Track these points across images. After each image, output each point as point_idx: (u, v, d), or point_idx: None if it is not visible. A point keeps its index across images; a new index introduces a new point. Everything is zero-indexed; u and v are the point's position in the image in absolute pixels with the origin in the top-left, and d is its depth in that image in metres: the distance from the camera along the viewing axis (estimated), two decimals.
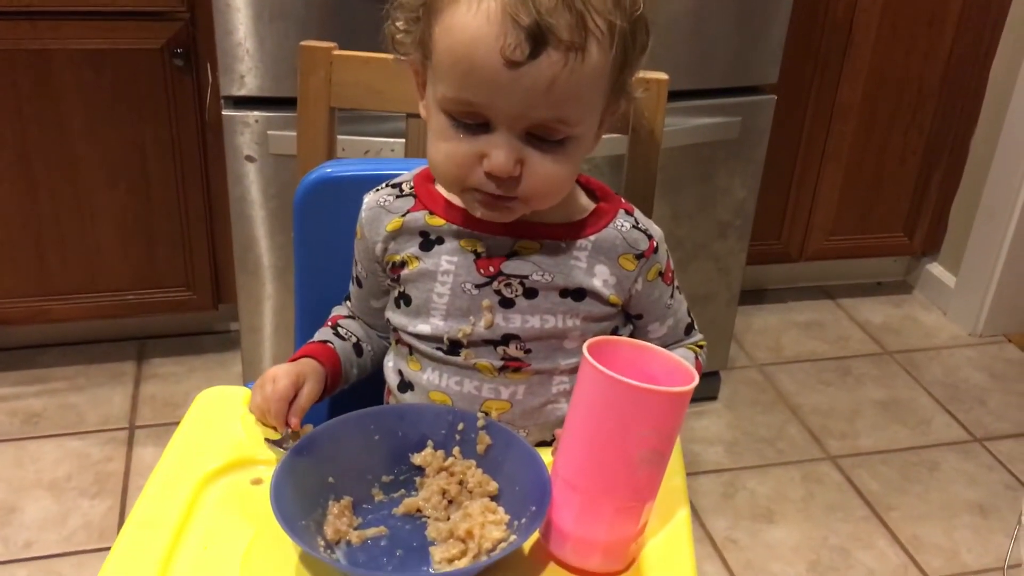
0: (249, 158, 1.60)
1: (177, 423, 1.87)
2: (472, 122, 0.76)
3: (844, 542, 1.72)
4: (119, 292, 1.93)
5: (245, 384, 0.97)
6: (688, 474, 1.84)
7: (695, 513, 1.76)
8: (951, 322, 2.36)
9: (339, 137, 1.51)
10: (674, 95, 1.57)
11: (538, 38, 0.71)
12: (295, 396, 0.84)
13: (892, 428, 2.01)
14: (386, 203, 0.89)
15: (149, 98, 1.77)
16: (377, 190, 0.90)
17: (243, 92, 1.56)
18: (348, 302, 0.97)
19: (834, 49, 2.02)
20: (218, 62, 1.55)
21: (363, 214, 0.89)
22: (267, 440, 0.82)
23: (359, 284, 0.93)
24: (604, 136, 0.85)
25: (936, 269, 2.42)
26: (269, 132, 1.58)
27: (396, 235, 0.87)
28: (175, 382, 2.00)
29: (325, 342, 0.92)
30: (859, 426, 2.01)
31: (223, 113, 1.57)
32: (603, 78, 0.77)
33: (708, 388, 2.04)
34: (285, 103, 1.57)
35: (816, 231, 2.25)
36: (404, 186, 0.90)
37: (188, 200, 1.87)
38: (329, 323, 0.96)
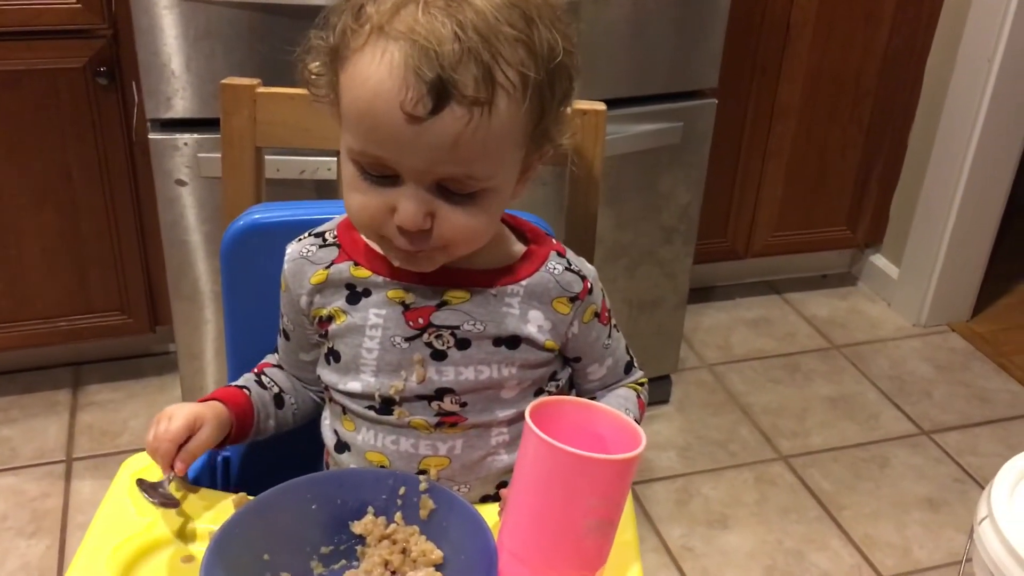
0: (180, 182, 1.55)
1: (116, 453, 1.82)
2: (380, 174, 0.73)
3: (798, 544, 1.73)
4: (50, 319, 1.86)
5: None
6: (642, 482, 1.85)
7: (650, 522, 1.76)
8: (895, 313, 2.38)
9: (273, 158, 1.48)
10: (615, 103, 1.55)
11: (441, 93, 0.67)
12: (189, 439, 0.80)
13: (841, 424, 2.02)
14: (309, 254, 0.85)
15: (73, 119, 1.70)
16: (300, 239, 0.87)
17: (170, 115, 1.51)
18: (277, 353, 0.93)
19: (772, 49, 2.02)
20: (143, 84, 1.49)
21: (286, 266, 0.86)
22: (139, 481, 0.79)
23: (286, 337, 0.90)
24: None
25: (880, 261, 2.43)
26: (200, 155, 1.52)
27: (321, 288, 0.84)
28: (113, 409, 1.93)
29: (242, 388, 0.88)
30: (809, 424, 2.02)
31: (150, 137, 1.52)
32: (515, 131, 0.73)
33: (660, 392, 2.04)
34: (216, 124, 1.51)
35: (761, 228, 2.25)
36: (328, 235, 0.86)
37: (119, 222, 1.81)
38: (255, 370, 0.92)
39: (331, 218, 0.88)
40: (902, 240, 2.34)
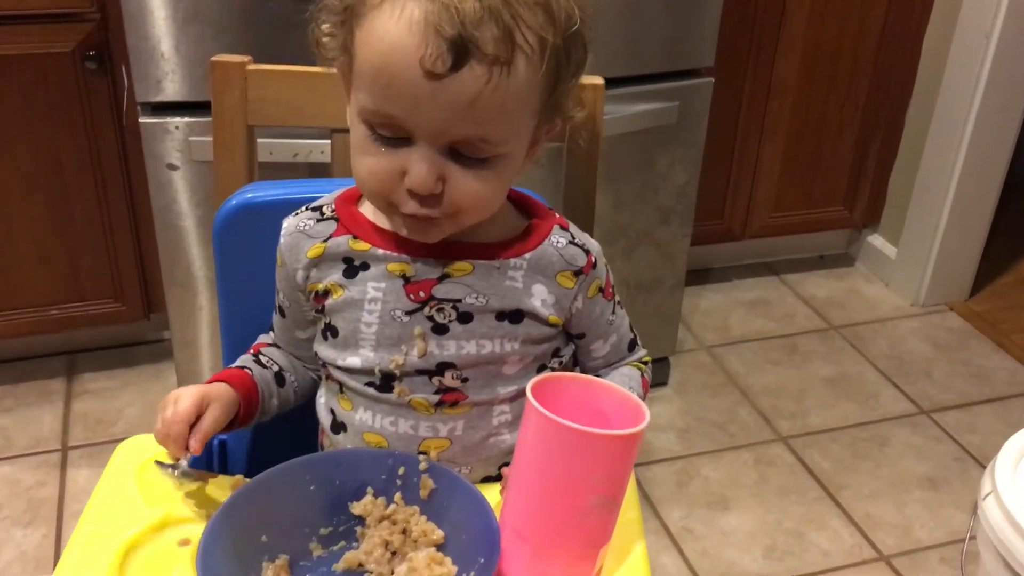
0: (171, 166, 1.53)
1: (111, 441, 1.81)
2: (392, 135, 0.72)
3: (798, 525, 1.72)
4: (42, 307, 1.84)
5: None
6: (641, 464, 1.84)
7: (650, 504, 1.75)
8: (893, 293, 2.37)
9: (266, 141, 1.47)
10: (610, 82, 1.53)
11: (461, 50, 0.67)
12: (198, 419, 0.78)
13: (841, 405, 2.01)
14: (306, 227, 0.83)
15: (63, 104, 1.68)
16: (296, 214, 0.85)
17: (161, 98, 1.49)
18: (272, 332, 0.92)
19: (768, 27, 2.00)
20: (132, 68, 1.47)
21: (282, 240, 0.84)
22: (157, 462, 0.77)
23: (282, 314, 0.88)
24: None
25: (877, 241, 2.42)
26: (191, 139, 1.50)
27: (318, 262, 0.82)
28: (108, 397, 1.92)
29: (243, 368, 0.87)
30: (808, 404, 2.01)
31: (141, 120, 1.50)
32: (531, 96, 0.72)
33: (658, 374, 2.03)
34: (207, 108, 1.49)
35: (758, 208, 2.24)
36: (325, 209, 0.84)
37: (111, 208, 1.79)
38: (251, 350, 0.91)
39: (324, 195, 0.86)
40: (900, 220, 2.33)
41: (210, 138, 1.49)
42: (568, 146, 1.01)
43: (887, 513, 1.75)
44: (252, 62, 0.97)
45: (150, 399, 1.92)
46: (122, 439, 0.84)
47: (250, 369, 0.87)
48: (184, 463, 0.76)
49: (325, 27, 0.75)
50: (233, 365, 0.88)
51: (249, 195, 0.91)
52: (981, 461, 1.86)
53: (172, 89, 1.48)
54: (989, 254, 2.33)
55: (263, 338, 0.93)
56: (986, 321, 2.27)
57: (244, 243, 0.91)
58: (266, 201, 0.90)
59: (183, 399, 0.77)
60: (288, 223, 0.84)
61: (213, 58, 0.96)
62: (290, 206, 0.86)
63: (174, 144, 1.51)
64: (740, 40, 1.98)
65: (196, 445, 0.76)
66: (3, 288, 1.79)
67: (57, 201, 1.75)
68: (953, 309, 2.32)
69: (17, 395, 1.91)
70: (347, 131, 0.98)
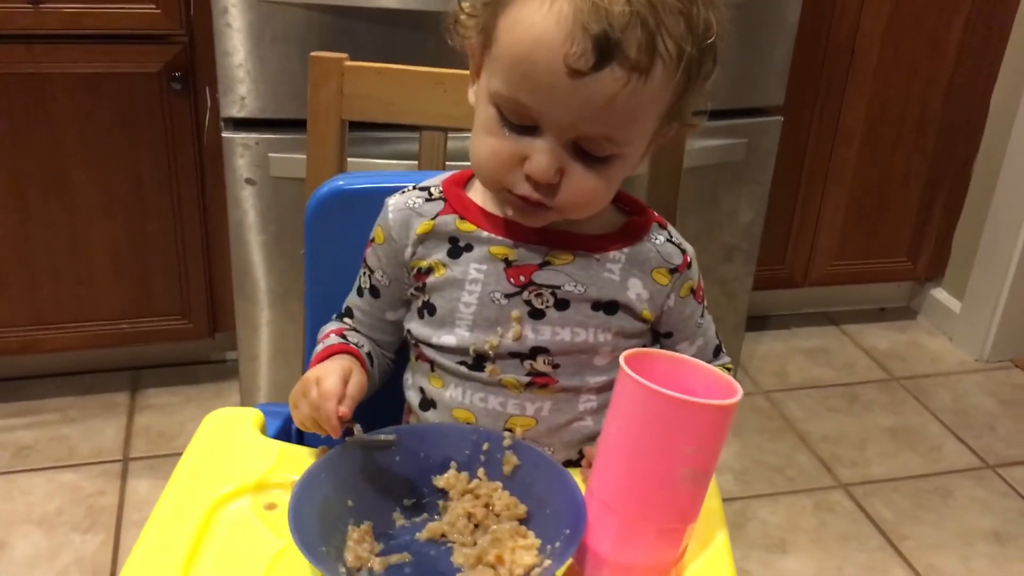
0: (249, 181, 1.57)
1: (172, 455, 1.83)
2: (519, 123, 0.73)
3: (859, 572, 1.68)
4: (112, 321, 1.88)
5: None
6: None
7: None
8: (957, 348, 2.34)
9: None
10: None
11: (605, 51, 0.68)
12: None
13: (903, 455, 1.97)
14: (416, 205, 0.85)
15: (146, 123, 1.73)
16: (403, 192, 0.86)
17: (243, 114, 1.53)
18: (347, 319, 0.91)
19: (837, 73, 2.01)
20: (218, 84, 1.52)
21: (390, 215, 0.85)
22: (346, 443, 0.74)
23: (375, 294, 0.88)
24: None
25: (940, 294, 2.39)
26: (270, 154, 1.55)
27: (425, 239, 0.84)
28: (170, 413, 1.94)
29: (344, 343, 0.85)
30: (869, 453, 1.97)
31: (223, 135, 1.54)
32: (661, 102, 0.74)
33: None
34: (286, 125, 1.54)
35: (820, 256, 2.23)
36: (433, 190, 0.86)
37: (184, 227, 1.83)
38: (334, 333, 0.88)
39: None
40: (965, 273, 2.30)
41: (287, 154, 1.54)
42: (652, 158, 1.02)
43: (951, 565, 1.70)
44: (348, 59, 1.00)
45: None
46: (182, 453, 0.82)
47: (349, 343, 0.86)
48: (357, 431, 0.74)
49: (466, 6, 0.77)
50: (330, 343, 0.85)
51: (341, 183, 0.93)
52: None
53: (254, 105, 1.53)
54: None
55: (333, 325, 0.91)
56: None
57: (335, 230, 0.93)
58: (358, 189, 0.92)
59: (326, 378, 0.75)
60: (396, 200, 0.86)
61: (312, 53, 1.00)
62: (382, 194, 0.88)
63: (252, 159, 1.55)
64: (808, 84, 1.99)
65: (344, 410, 0.74)
66: (78, 300, 1.84)
67: (135, 217, 1.80)
68: (1018, 366, 2.27)
69: (82, 406, 1.94)
70: (435, 129, 1.01)
